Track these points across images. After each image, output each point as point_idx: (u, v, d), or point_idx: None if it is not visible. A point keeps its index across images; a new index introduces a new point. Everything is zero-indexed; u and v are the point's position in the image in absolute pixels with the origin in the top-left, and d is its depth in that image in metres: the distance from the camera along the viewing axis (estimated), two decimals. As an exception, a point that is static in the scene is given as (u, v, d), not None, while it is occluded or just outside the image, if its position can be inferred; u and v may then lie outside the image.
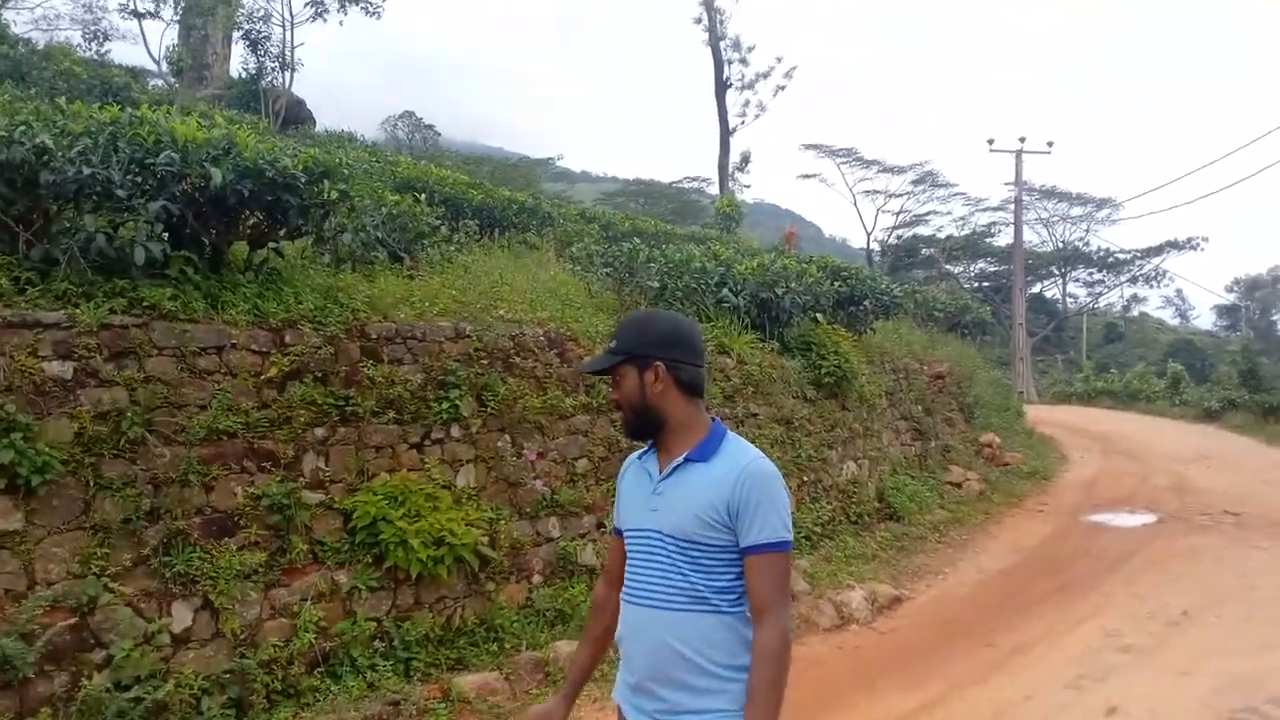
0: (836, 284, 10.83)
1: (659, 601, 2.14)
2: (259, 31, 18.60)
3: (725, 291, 9.08)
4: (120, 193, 4.84)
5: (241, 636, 4.66)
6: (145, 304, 4.84)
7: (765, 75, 31.43)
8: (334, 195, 5.74)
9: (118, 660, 4.15)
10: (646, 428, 2.25)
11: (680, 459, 2.18)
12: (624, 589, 2.27)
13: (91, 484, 4.38)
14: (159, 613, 4.43)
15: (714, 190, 40.05)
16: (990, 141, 32.92)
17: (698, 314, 8.79)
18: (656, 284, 8.50)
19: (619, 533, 2.38)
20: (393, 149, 23.15)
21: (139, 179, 4.98)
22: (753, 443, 2.29)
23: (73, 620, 4.12)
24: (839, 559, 8.25)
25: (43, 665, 3.99)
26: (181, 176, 5.05)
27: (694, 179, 46.89)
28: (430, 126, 32.02)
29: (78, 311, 4.59)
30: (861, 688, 5.75)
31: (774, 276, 9.47)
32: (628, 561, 2.26)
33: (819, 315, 10.03)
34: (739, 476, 2.09)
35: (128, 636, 4.24)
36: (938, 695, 5.67)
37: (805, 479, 9.00)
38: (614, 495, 7.16)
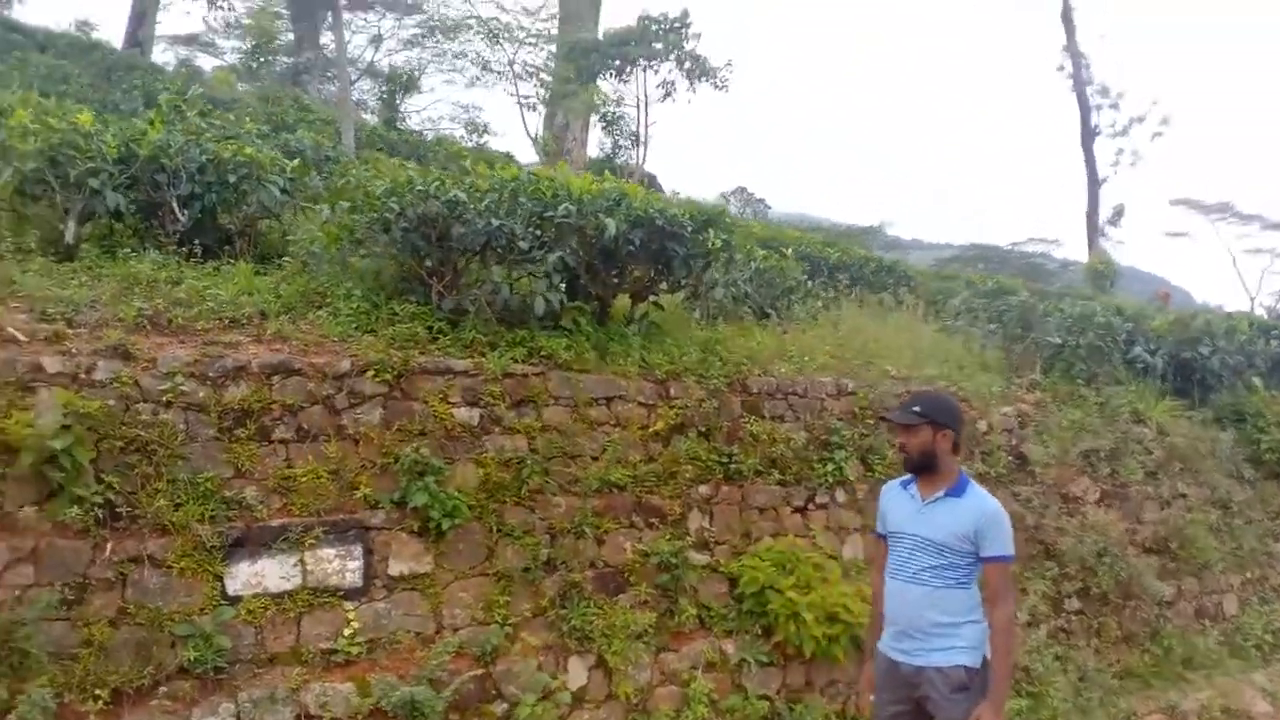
0: (1273, 342, 9.03)
1: (919, 580, 3.24)
2: (614, 114, 19.85)
3: (1137, 350, 7.83)
4: (522, 244, 4.95)
5: (634, 701, 4.39)
6: (543, 353, 4.88)
7: (1140, 119, 28.24)
8: (718, 244, 5.60)
9: (522, 716, 4.00)
10: (924, 467, 3.31)
11: (942, 493, 3.28)
12: (888, 571, 3.37)
13: (494, 530, 4.37)
14: (556, 667, 4.27)
15: (1061, 253, 36.52)
16: None
17: (1105, 375, 7.63)
18: (1057, 340, 7.47)
19: (882, 536, 3.46)
20: (729, 223, 23.53)
21: (538, 231, 5.10)
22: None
23: (478, 670, 4.04)
24: (1308, 676, 6.59)
25: (448, 714, 3.91)
26: (577, 228, 5.12)
27: (1039, 240, 43.14)
28: (761, 200, 32.60)
29: (484, 360, 4.68)
30: None
31: (1196, 333, 8.05)
32: (892, 554, 3.37)
33: (1256, 379, 8.38)
34: (982, 512, 3.20)
35: (531, 690, 4.08)
36: None
37: (1249, 575, 7.39)
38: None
